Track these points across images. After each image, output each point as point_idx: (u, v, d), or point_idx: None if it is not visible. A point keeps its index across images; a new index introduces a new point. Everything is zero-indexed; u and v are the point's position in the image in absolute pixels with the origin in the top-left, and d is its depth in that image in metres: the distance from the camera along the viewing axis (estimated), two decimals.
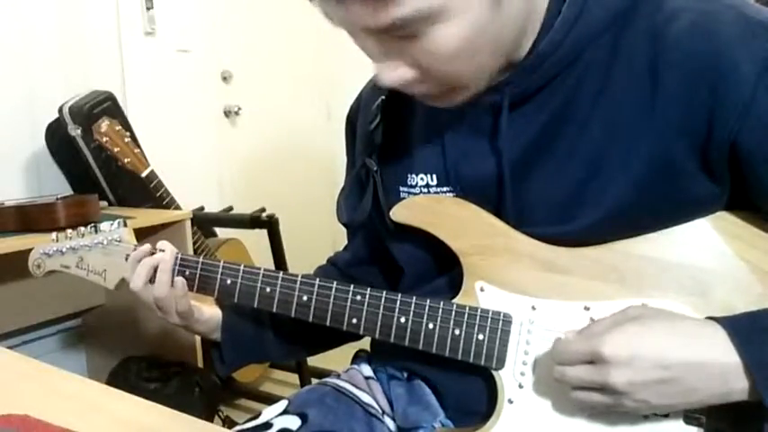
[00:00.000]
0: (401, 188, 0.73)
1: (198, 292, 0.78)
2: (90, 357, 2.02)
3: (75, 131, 1.64)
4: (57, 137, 1.78)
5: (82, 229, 0.85)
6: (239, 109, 2.53)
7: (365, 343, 0.82)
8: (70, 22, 1.90)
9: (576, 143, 0.62)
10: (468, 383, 0.68)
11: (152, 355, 1.80)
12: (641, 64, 0.58)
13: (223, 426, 1.66)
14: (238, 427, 0.69)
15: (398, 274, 0.78)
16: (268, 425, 0.69)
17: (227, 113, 2.53)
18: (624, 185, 0.59)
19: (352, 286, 0.69)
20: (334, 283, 0.70)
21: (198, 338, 1.76)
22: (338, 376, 0.79)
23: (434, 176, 0.70)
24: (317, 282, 0.71)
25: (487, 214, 0.66)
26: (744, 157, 0.56)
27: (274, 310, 0.73)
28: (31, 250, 0.88)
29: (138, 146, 1.66)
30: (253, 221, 1.96)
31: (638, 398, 0.53)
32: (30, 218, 1.45)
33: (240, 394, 2.11)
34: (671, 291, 0.60)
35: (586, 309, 0.61)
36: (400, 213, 0.70)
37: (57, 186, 1.84)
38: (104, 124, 1.57)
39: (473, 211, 0.67)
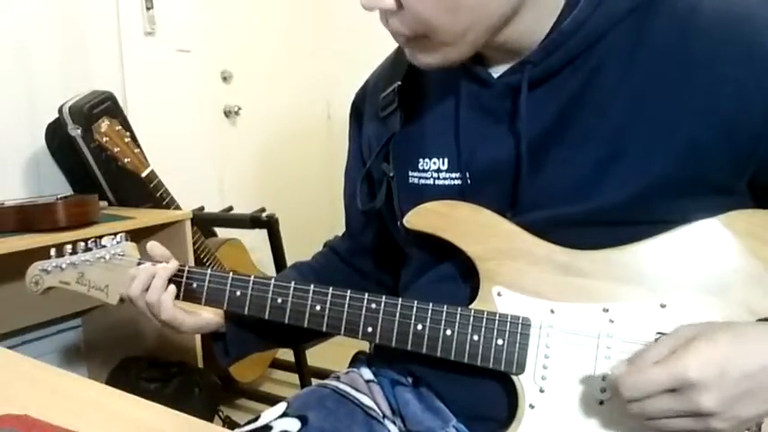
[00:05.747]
0: (410, 173, 0.72)
1: (207, 304, 0.77)
2: (90, 357, 2.02)
3: (75, 131, 1.64)
4: (57, 137, 1.78)
5: (82, 243, 0.83)
6: (239, 109, 2.53)
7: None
8: (70, 22, 1.90)
9: (596, 126, 0.61)
10: (475, 389, 0.67)
11: (152, 355, 1.80)
12: (668, 50, 0.59)
13: (223, 426, 1.66)
14: (238, 430, 0.69)
15: (400, 263, 0.77)
16: (267, 427, 0.69)
17: (227, 113, 2.53)
18: (648, 170, 0.59)
19: (366, 294, 0.69)
20: (348, 291, 0.69)
21: (198, 338, 1.76)
22: (338, 378, 0.78)
23: (446, 161, 0.70)
24: (331, 291, 0.70)
25: (502, 219, 0.66)
26: None
27: (287, 321, 0.72)
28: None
29: (138, 146, 1.66)
30: (253, 221, 1.96)
31: (729, 416, 0.51)
32: (30, 218, 1.44)
33: (240, 394, 2.11)
34: (689, 291, 0.59)
35: (605, 311, 0.61)
36: (414, 221, 0.69)
37: (57, 186, 1.84)
38: (104, 124, 1.57)
39: (488, 215, 0.66)
